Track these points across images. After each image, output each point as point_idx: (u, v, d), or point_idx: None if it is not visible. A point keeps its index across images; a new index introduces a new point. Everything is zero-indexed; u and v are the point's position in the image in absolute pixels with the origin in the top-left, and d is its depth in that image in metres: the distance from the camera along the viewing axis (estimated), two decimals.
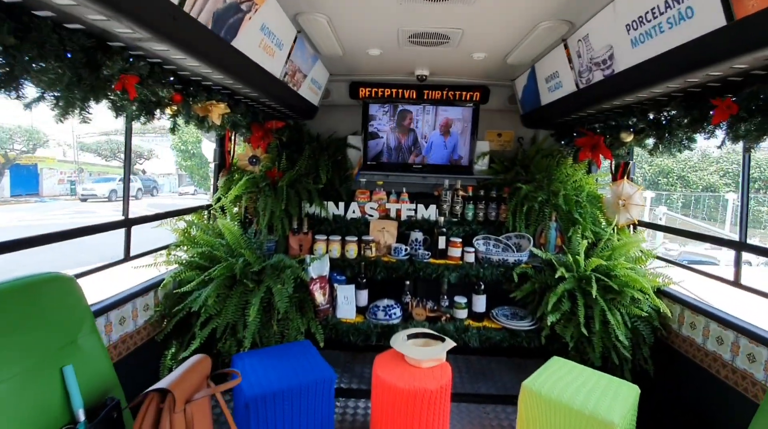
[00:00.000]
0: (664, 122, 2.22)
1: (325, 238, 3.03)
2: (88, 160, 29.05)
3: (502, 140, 3.93)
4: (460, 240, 3.05)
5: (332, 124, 3.82)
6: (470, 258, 3.00)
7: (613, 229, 2.95)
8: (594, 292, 2.43)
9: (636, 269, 2.57)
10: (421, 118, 3.49)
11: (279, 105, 2.78)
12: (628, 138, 2.42)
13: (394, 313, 2.81)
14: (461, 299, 2.86)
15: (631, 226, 2.95)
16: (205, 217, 2.94)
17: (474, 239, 3.09)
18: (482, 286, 2.86)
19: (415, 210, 3.24)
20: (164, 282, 2.35)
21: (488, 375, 3.13)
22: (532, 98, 3.14)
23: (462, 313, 2.85)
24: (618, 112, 2.49)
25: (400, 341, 2.28)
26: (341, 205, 3.22)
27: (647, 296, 2.41)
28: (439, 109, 3.46)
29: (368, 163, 3.51)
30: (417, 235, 3.09)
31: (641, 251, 2.72)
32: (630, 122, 2.51)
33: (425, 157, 3.53)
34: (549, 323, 2.51)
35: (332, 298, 2.87)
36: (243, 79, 2.03)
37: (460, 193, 3.28)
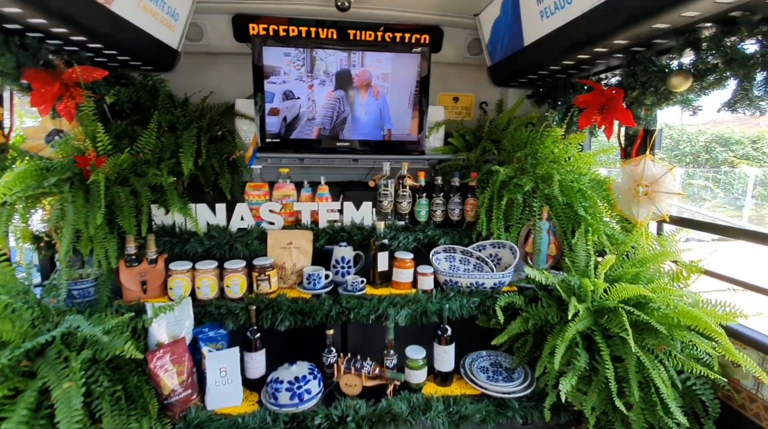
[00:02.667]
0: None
1: (189, 267, 1.79)
2: None
3: (460, 107, 2.90)
4: (411, 256, 1.97)
5: (214, 82, 2.52)
6: (427, 283, 1.93)
7: (625, 228, 2.05)
8: (631, 339, 1.49)
9: (683, 297, 1.67)
10: (347, 69, 2.32)
11: (64, 26, 1.46)
12: (684, 85, 1.45)
13: (308, 390, 1.67)
14: (417, 353, 1.80)
15: (653, 224, 2.06)
16: None
17: (432, 253, 2.03)
18: (448, 331, 1.82)
19: (341, 210, 2.10)
20: None
21: None
22: (509, 38, 2.10)
23: (419, 375, 1.80)
24: (661, 45, 1.52)
25: None
26: (220, 208, 1.99)
27: (715, 343, 1.50)
28: (369, 57, 2.31)
29: (268, 140, 2.29)
30: (344, 252, 1.96)
31: (677, 262, 1.83)
32: (675, 61, 1.55)
33: (354, 130, 2.38)
34: (563, 392, 1.53)
35: (196, 377, 1.66)
36: None
37: (408, 181, 2.19)
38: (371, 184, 2.29)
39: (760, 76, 1.27)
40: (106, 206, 1.67)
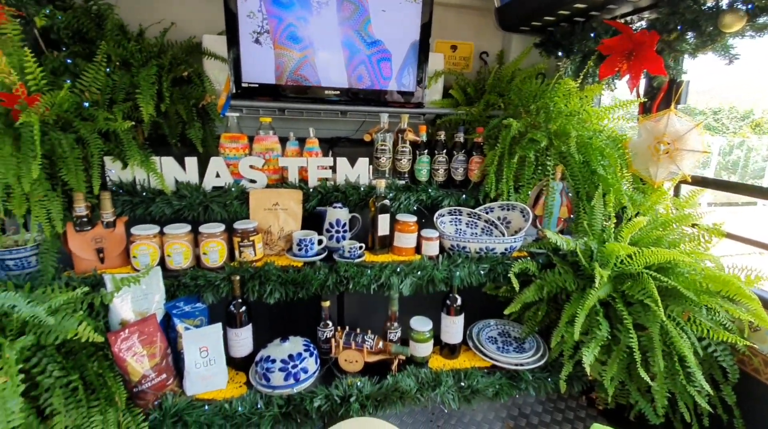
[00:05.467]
0: None
1: (156, 231, 1.50)
2: None
3: (458, 57, 2.62)
4: (414, 219, 1.76)
5: (175, 12, 2.11)
6: (432, 249, 1.75)
7: (639, 189, 1.93)
8: (660, 307, 1.38)
9: (708, 261, 1.56)
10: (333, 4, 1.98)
11: None
12: (738, 24, 1.27)
13: (305, 369, 1.48)
14: (423, 325, 1.63)
15: (670, 185, 1.93)
16: None
17: (436, 216, 1.83)
18: (458, 301, 1.66)
19: (333, 167, 1.84)
20: None
21: (463, 424, 2.04)
22: None
23: (425, 349, 1.64)
24: None
25: None
26: (191, 163, 1.68)
27: (744, 308, 1.41)
28: None
29: (244, 85, 1.95)
30: (339, 215, 1.72)
31: (695, 226, 1.72)
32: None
33: (347, 78, 2.08)
34: (587, 363, 1.41)
35: (171, 359, 1.42)
36: None
37: (409, 136, 1.94)
38: (366, 137, 2.02)
39: None
40: (45, 156, 1.34)
